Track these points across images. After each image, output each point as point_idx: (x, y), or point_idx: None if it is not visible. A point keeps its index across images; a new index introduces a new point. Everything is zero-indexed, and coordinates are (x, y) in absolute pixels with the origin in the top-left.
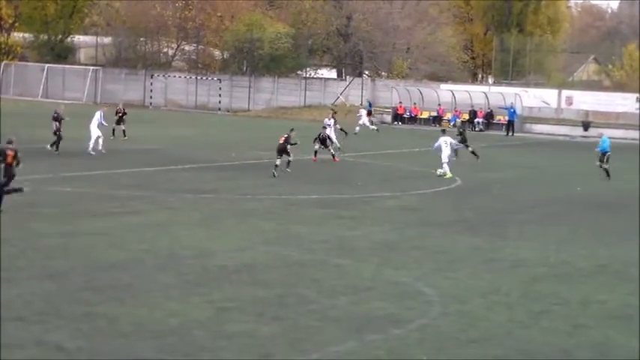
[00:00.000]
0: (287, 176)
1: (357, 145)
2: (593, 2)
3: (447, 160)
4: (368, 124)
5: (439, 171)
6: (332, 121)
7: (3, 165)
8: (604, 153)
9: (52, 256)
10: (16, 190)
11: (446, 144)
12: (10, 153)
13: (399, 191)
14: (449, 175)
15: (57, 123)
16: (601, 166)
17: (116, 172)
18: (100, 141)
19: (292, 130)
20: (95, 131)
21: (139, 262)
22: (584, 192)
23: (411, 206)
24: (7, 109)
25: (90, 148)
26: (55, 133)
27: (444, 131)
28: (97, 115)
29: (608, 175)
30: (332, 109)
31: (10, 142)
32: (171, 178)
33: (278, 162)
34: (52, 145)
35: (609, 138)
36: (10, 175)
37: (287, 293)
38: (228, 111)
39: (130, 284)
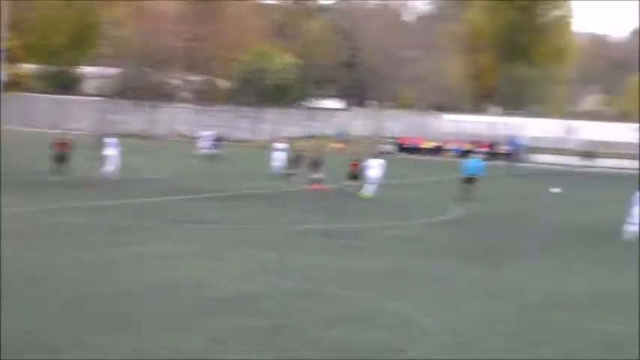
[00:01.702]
0: (291, 206)
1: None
2: (600, 33)
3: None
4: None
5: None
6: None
7: None
8: (469, 177)
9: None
10: None
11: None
12: None
13: (402, 221)
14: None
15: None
16: (466, 190)
17: (120, 202)
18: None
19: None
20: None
21: (136, 294)
22: (583, 221)
23: (413, 236)
24: (11, 139)
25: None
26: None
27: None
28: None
29: (467, 198)
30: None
31: None
32: (173, 208)
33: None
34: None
35: (481, 161)
36: None
37: (284, 324)
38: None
39: (126, 315)
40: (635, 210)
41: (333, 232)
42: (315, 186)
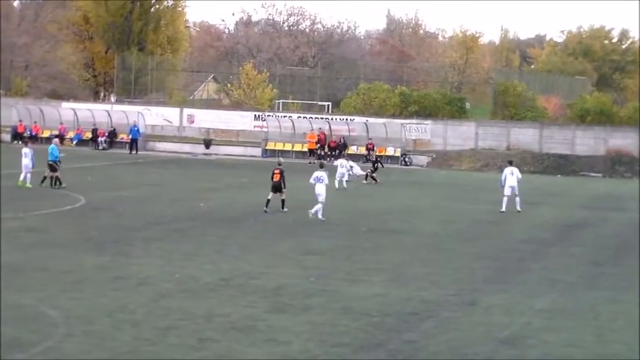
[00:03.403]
0: None
1: None
2: (211, 23)
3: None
4: None
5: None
6: None
7: None
8: (51, 163)
9: None
10: None
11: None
12: None
13: (22, 212)
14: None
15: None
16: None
17: None
18: None
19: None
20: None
21: None
22: (207, 207)
23: (34, 227)
24: None
25: None
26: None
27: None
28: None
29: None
30: None
31: None
32: None
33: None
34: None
35: (57, 146)
36: None
37: None
38: None
39: None
40: None
41: None
42: None
